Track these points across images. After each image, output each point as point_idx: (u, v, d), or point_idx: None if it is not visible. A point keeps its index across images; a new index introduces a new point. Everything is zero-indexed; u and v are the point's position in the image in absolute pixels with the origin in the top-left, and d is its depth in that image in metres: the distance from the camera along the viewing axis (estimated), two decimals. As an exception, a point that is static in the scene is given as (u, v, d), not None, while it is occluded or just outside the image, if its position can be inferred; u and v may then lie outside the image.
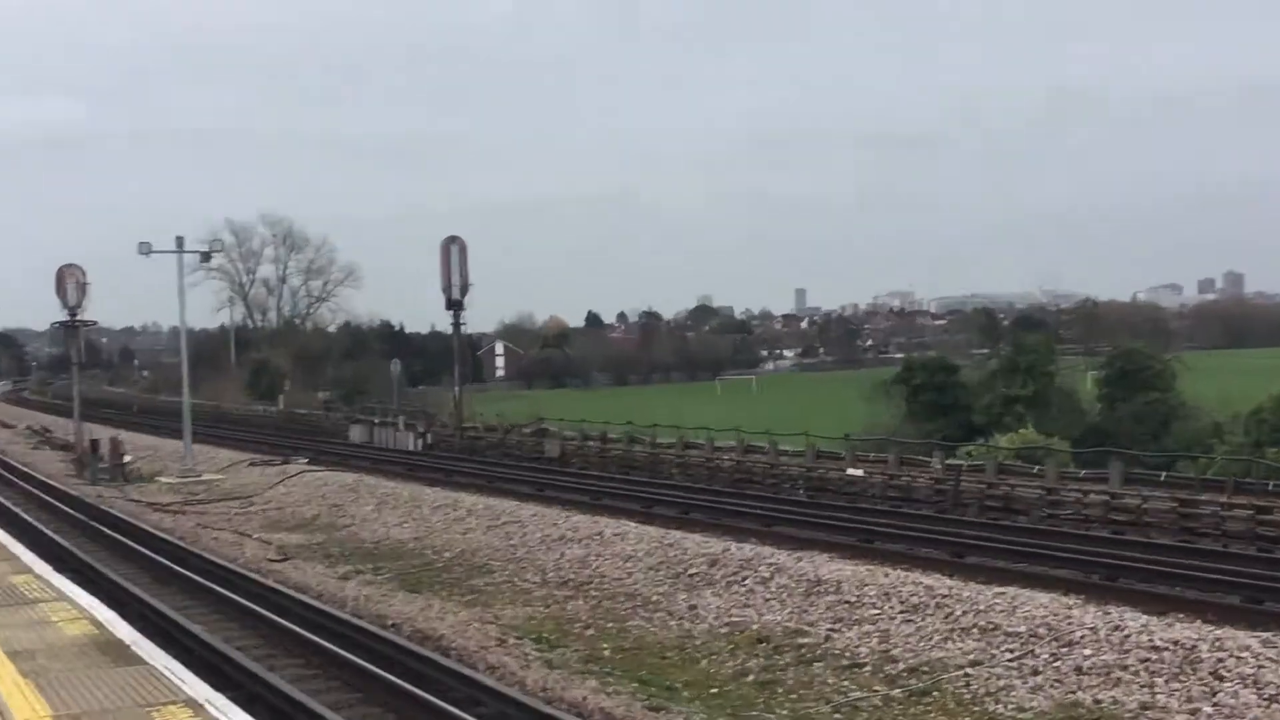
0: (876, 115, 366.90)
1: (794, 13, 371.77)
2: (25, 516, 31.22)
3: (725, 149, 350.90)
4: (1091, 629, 15.33)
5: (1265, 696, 12.87)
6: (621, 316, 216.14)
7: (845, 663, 15.73)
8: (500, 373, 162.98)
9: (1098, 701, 13.41)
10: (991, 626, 16.10)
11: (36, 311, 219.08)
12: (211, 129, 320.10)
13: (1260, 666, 13.49)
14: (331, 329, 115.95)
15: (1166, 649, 14.33)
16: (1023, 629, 15.77)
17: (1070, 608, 16.44)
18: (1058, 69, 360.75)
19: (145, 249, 42.77)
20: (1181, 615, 16.26)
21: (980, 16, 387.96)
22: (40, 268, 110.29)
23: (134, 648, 10.92)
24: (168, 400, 79.76)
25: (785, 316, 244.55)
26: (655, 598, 20.09)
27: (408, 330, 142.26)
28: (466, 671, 15.05)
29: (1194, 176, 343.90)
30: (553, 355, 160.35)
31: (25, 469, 46.21)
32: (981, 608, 16.81)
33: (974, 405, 55.55)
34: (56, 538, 27.28)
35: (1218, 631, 14.83)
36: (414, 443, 49.25)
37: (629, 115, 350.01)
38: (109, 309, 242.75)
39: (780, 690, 14.87)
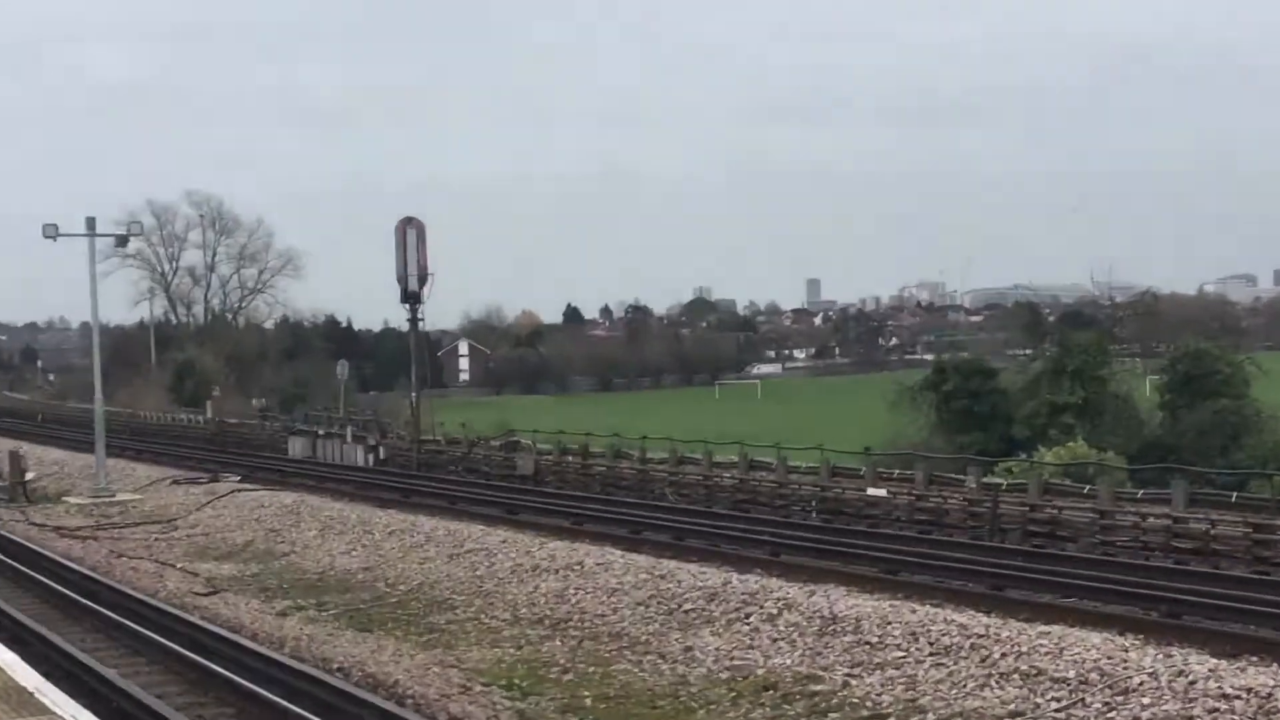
0: (905, 77, 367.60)
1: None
2: (-90, 543, 31.08)
3: (727, 116, 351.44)
4: (1151, 674, 15.35)
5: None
6: (605, 311, 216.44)
7: (865, 713, 15.73)
8: (465, 376, 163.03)
9: (1158, 758, 13.45)
10: (1035, 671, 16.11)
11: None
12: (127, 90, 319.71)
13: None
14: (268, 325, 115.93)
15: (1238, 697, 14.35)
16: (1071, 674, 15.78)
17: (1126, 649, 16.47)
18: (1115, 20, 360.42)
19: (51, 232, 42.58)
20: (1255, 658, 16.28)
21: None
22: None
23: (38, 695, 10.90)
24: (77, 408, 79.42)
25: (795, 311, 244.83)
26: (645, 638, 20.07)
27: (357, 327, 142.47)
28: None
29: (1273, 151, 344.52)
30: (525, 356, 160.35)
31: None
32: (1023, 649, 16.82)
33: (1015, 415, 55.60)
34: (-54, 568, 27.17)
35: (1297, 677, 14.88)
36: (364, 457, 49.09)
37: (612, 74, 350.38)
38: (8, 302, 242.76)
39: (790, 745, 14.88)
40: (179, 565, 29.05)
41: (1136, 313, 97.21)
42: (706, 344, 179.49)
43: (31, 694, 11.01)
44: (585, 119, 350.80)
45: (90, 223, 43.59)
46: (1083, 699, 15.10)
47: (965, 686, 16.11)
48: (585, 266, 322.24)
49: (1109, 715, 14.60)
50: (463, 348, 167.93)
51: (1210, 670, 15.26)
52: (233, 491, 40.06)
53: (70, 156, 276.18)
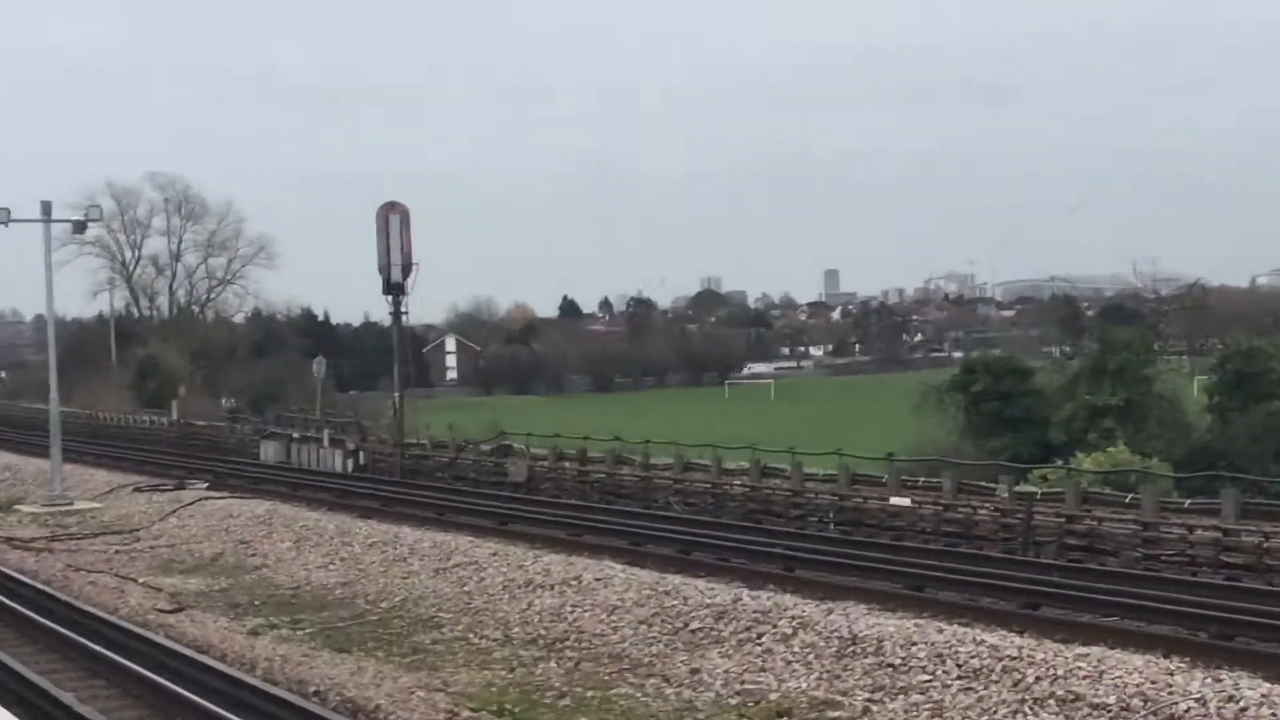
0: (928, 53, 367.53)
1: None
2: None
3: (738, 95, 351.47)
4: (1199, 700, 15.35)
5: None
6: (605, 305, 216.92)
7: (888, 742, 15.74)
8: (452, 375, 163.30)
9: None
10: (1072, 696, 16.12)
11: None
12: (88, 64, 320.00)
13: None
14: (238, 319, 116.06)
15: (1293, 725, 14.36)
16: (1112, 700, 15.79)
17: (1171, 673, 16.47)
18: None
19: (2, 216, 42.64)
20: (1313, 683, 16.29)
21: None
22: None
23: (-13, 721, 10.89)
24: (31, 408, 79.49)
25: (812, 305, 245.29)
26: (647, 659, 20.08)
27: (335, 321, 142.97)
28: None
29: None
30: (518, 353, 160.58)
31: None
32: (1060, 673, 16.83)
33: (1051, 418, 55.56)
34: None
35: (1358, 703, 14.88)
36: (343, 463, 49.13)
37: (614, 50, 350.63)
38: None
39: (805, 777, 14.89)
40: (141, 580, 29.05)
41: (1184, 307, 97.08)
42: (715, 340, 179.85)
43: (-19, 719, 11.00)
44: (584, 97, 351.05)
45: (45, 207, 43.55)
46: (1124, 727, 15.12)
47: (996, 713, 16.12)
48: (583, 256, 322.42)
49: (1153, 745, 14.62)
50: (450, 344, 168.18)
51: (1263, 696, 15.26)
52: (200, 500, 40.06)
53: (23, 135, 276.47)
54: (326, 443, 51.09)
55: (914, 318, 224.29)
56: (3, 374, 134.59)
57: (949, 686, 17.19)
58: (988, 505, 31.72)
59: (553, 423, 55.62)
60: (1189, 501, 31.10)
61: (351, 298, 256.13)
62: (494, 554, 28.20)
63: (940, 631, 19.31)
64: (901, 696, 17.13)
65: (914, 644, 18.74)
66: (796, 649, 19.54)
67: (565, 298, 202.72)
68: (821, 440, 46.40)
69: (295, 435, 53.65)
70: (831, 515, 33.53)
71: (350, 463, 48.99)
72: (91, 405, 79.40)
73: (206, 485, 43.60)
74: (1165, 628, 19.61)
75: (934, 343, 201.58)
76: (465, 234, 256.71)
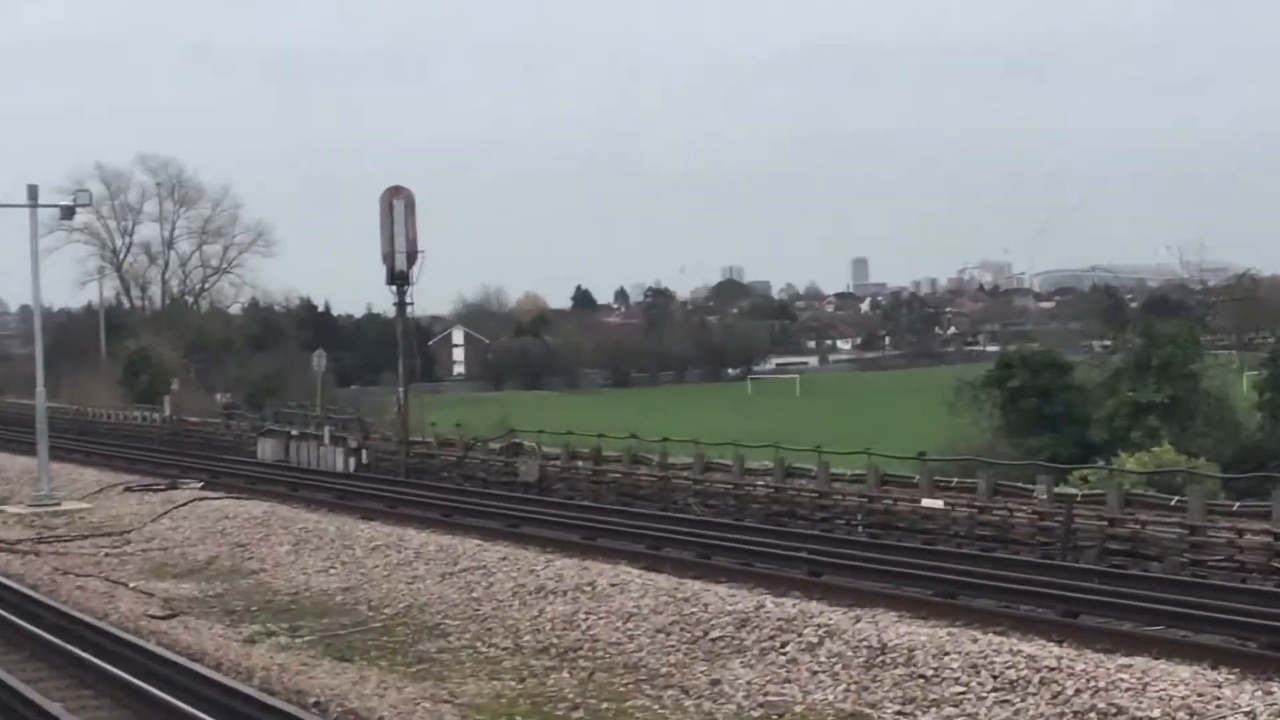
0: (964, 27, 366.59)
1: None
2: None
3: (761, 73, 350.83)
4: (1248, 713, 15.33)
5: None
6: (621, 295, 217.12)
7: (919, 757, 15.73)
8: (460, 369, 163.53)
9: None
10: (1114, 710, 16.09)
11: None
12: (72, 39, 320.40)
13: None
14: (234, 310, 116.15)
15: (1349, 741, 14.33)
16: (1156, 713, 15.76)
17: (1219, 685, 16.44)
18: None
19: (-14, 201, 42.82)
20: (1370, 696, 16.24)
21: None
22: None
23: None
24: (17, 403, 79.79)
25: (840, 296, 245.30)
26: (665, 669, 20.09)
27: (336, 312, 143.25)
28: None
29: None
30: (529, 346, 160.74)
31: None
32: (1101, 685, 16.80)
33: (1092, 416, 55.54)
34: None
35: None
36: (344, 462, 49.15)
37: (630, 25, 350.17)
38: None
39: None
40: (132, 584, 29.12)
41: (1232, 298, 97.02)
42: (737, 333, 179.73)
43: (-36, 730, 11.05)
44: (598, 74, 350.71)
45: (32, 191, 43.65)
46: (1169, 742, 15.10)
47: (1034, 727, 16.10)
48: (598, 244, 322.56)
49: (1200, 761, 14.59)
50: (457, 336, 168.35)
51: (1317, 710, 15.23)
52: (194, 500, 40.14)
53: (7, 116, 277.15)
54: (327, 440, 51.11)
55: (947, 309, 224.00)
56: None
57: (984, 699, 17.17)
58: (1025, 508, 31.65)
59: (565, 419, 55.70)
60: (1238, 504, 31.01)
61: (353, 288, 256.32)
62: (503, 558, 28.22)
63: (974, 641, 19.29)
64: (934, 709, 17.12)
65: (947, 654, 18.72)
66: (823, 659, 19.53)
67: (579, 288, 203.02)
68: (849, 439, 46.34)
69: (294, 432, 53.69)
70: (860, 518, 33.48)
71: (352, 461, 48.99)
72: (80, 400, 79.60)
73: (201, 485, 43.64)
74: (1213, 637, 19.53)
75: (968, 336, 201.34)
76: (473, 221, 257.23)
